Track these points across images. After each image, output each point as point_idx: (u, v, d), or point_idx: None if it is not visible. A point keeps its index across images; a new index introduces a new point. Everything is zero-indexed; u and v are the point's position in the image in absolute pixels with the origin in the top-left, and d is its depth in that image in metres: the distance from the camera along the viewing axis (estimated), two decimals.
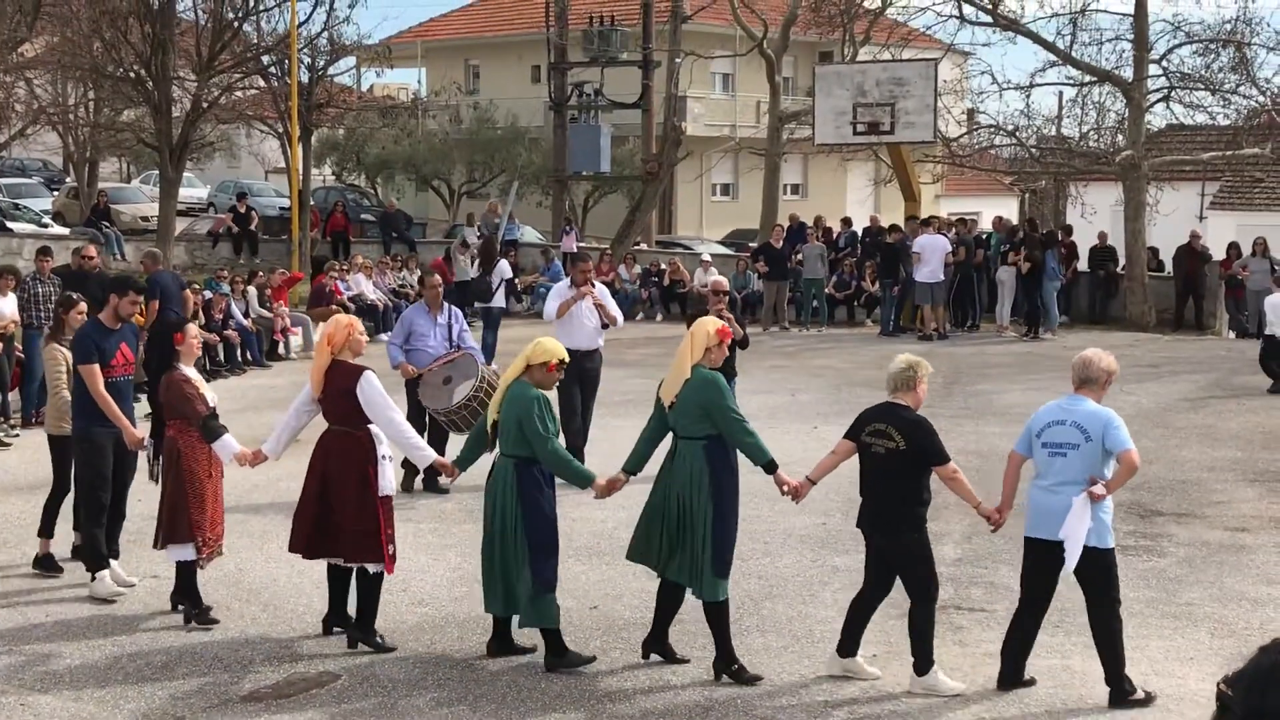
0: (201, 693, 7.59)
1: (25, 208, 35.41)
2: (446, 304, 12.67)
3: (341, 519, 8.10)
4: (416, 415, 11.72)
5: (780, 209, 33.30)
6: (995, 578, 9.77)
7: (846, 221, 28.87)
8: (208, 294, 20.35)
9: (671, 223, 42.83)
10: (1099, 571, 7.47)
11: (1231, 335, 25.65)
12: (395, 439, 8.30)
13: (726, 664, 7.74)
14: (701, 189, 46.10)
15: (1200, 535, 10.78)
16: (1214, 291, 26.08)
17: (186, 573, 8.73)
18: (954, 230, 25.60)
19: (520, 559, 7.73)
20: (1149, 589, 9.45)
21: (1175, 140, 34.82)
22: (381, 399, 8.19)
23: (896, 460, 7.59)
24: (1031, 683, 7.60)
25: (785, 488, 7.99)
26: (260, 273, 23.31)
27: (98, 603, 9.10)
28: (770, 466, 7.85)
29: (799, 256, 26.29)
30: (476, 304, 21.26)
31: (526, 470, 7.80)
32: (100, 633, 8.56)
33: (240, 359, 20.54)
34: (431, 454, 8.56)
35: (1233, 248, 26.28)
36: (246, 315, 21.29)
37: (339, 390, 8.17)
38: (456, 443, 9.38)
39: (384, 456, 8.19)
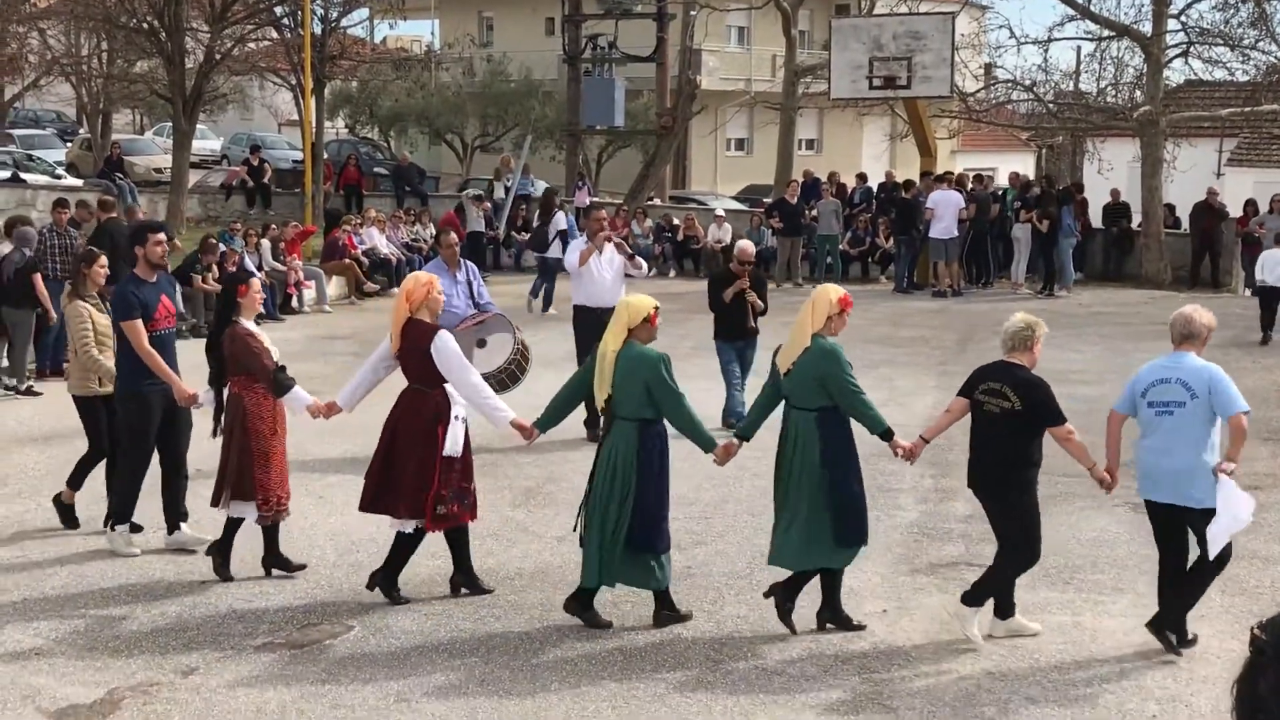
0: (215, 643, 7.64)
1: (39, 159, 35.40)
2: (464, 261, 12.51)
3: (400, 476, 8.04)
4: None
5: (795, 164, 33.14)
6: None
7: (861, 177, 28.74)
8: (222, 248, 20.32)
9: (685, 178, 42.70)
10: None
11: (1248, 293, 25.48)
12: (471, 399, 8.18)
13: (834, 615, 7.81)
14: (716, 144, 45.93)
15: None
16: (1230, 249, 25.92)
17: (231, 529, 8.63)
18: (970, 188, 25.47)
19: (630, 522, 7.59)
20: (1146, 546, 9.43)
21: (1193, 96, 34.54)
22: (457, 359, 8.08)
23: (1011, 421, 7.50)
24: (1193, 640, 7.55)
25: (900, 451, 7.88)
26: (273, 226, 23.28)
27: (110, 556, 9.13)
28: (887, 435, 7.77)
29: (813, 212, 26.18)
30: (534, 254, 22.20)
31: (649, 433, 7.68)
32: (114, 582, 8.61)
33: None
34: (510, 414, 8.28)
35: (1250, 205, 26.10)
36: (260, 268, 21.26)
37: (415, 349, 8.08)
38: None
39: (456, 417, 8.06)
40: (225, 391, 8.60)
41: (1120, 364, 17.06)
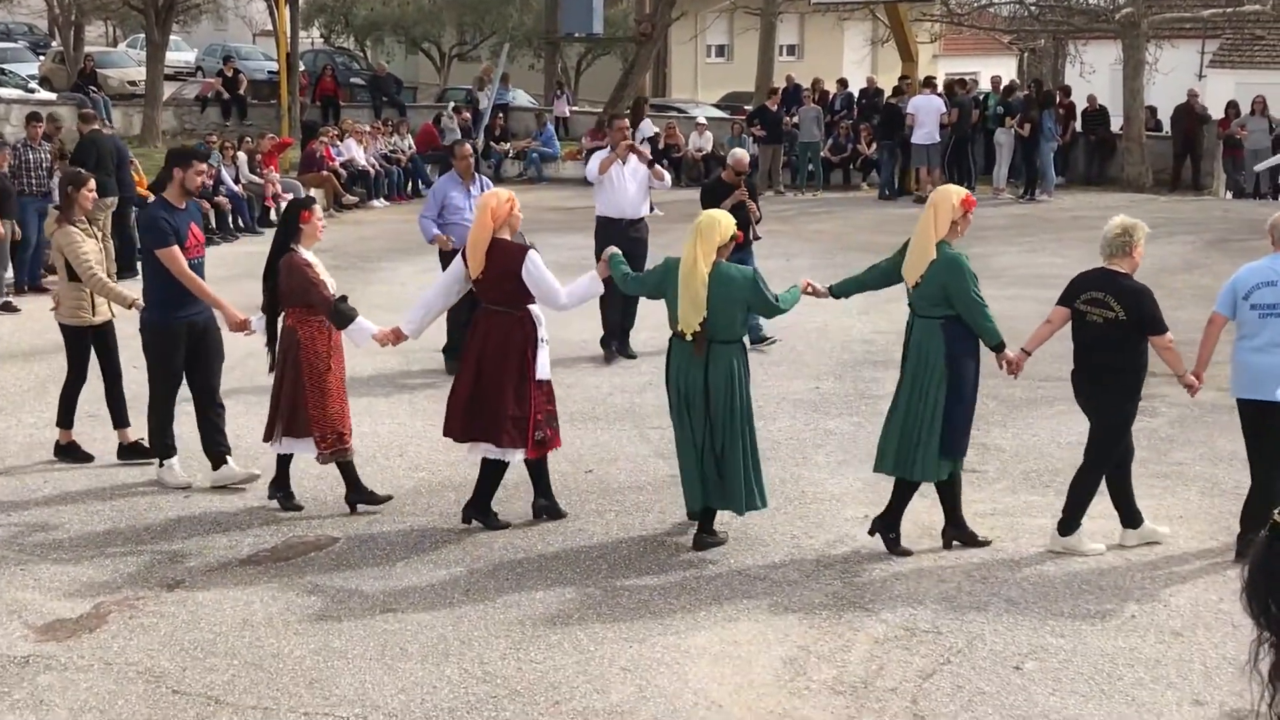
0: (200, 556, 7.67)
1: (11, 73, 34.92)
2: (477, 174, 12.08)
3: (498, 404, 7.75)
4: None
5: (776, 70, 32.87)
6: (987, 439, 9.82)
7: (842, 83, 28.50)
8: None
9: (665, 86, 42.34)
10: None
11: (1229, 195, 25.51)
12: (571, 306, 8.08)
13: (958, 531, 7.74)
14: (696, 50, 45.46)
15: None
16: (1212, 151, 25.87)
17: (284, 465, 8.37)
18: (953, 92, 25.30)
19: (735, 444, 7.50)
20: (1140, 449, 9.42)
21: None
22: (549, 277, 7.85)
23: (1115, 330, 7.45)
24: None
25: (1006, 364, 7.80)
26: (249, 138, 23.06)
27: (92, 471, 9.15)
28: (999, 347, 7.69)
29: (794, 120, 26.01)
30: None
31: (743, 354, 7.59)
32: (99, 498, 8.62)
33: (232, 225, 20.42)
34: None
35: (1231, 107, 26.01)
36: (237, 181, 21.11)
37: (502, 270, 7.77)
38: None
39: (543, 339, 7.87)
40: (279, 323, 8.25)
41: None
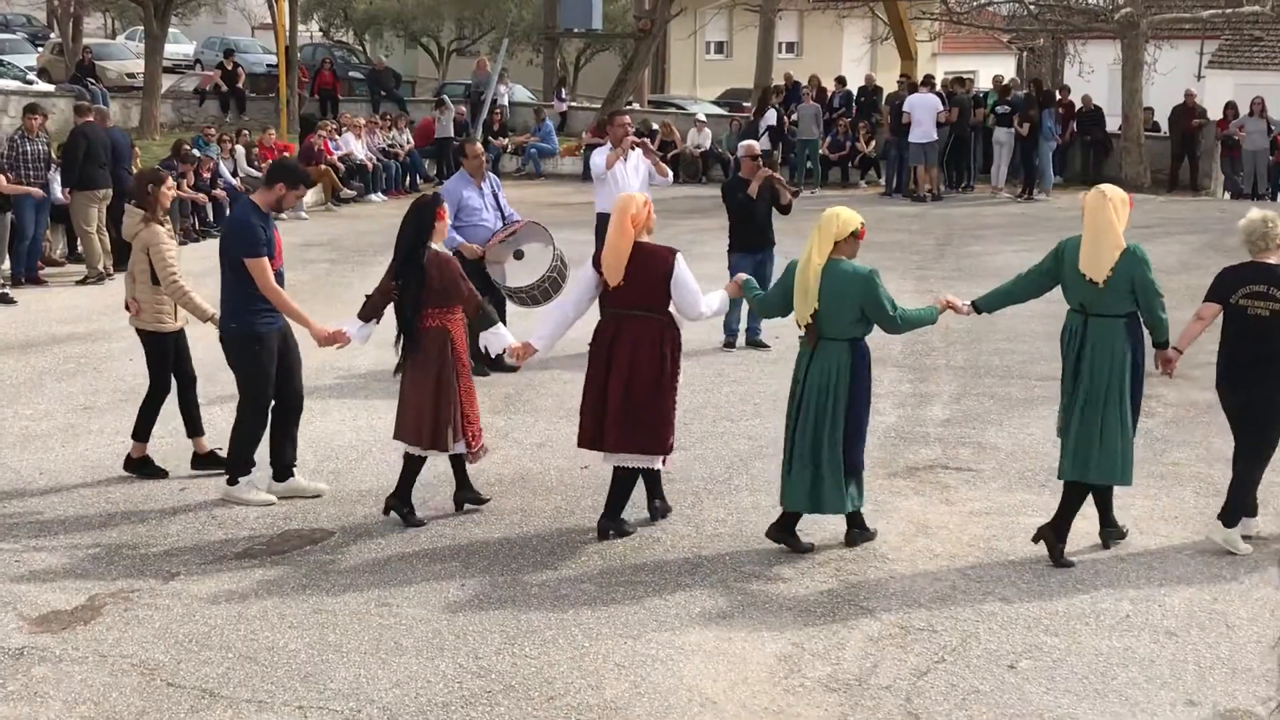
0: (195, 549, 7.66)
1: (9, 64, 34.88)
2: (488, 172, 11.72)
3: (655, 411, 7.62)
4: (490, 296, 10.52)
5: (775, 67, 32.88)
6: (983, 438, 9.83)
7: (841, 81, 28.51)
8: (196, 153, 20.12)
9: (664, 82, 42.38)
10: None
11: (1226, 196, 25.53)
12: (707, 317, 7.87)
13: (1112, 528, 7.73)
14: (695, 47, 45.48)
15: (1188, 396, 10.82)
16: (1210, 152, 25.90)
17: (414, 471, 8.12)
18: (949, 90, 25.30)
19: (834, 443, 7.38)
20: (1136, 449, 9.49)
21: None
22: (695, 283, 7.66)
23: (1273, 324, 7.46)
24: None
25: (1164, 364, 7.73)
26: (247, 131, 23.05)
27: (89, 463, 9.14)
28: (1165, 344, 7.66)
29: (794, 117, 26.01)
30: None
31: (859, 351, 7.42)
32: (94, 491, 8.62)
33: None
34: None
35: (1229, 108, 26.02)
36: (235, 175, 21.11)
37: (649, 275, 7.53)
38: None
39: (679, 345, 7.75)
40: (416, 324, 7.84)
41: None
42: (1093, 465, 7.46)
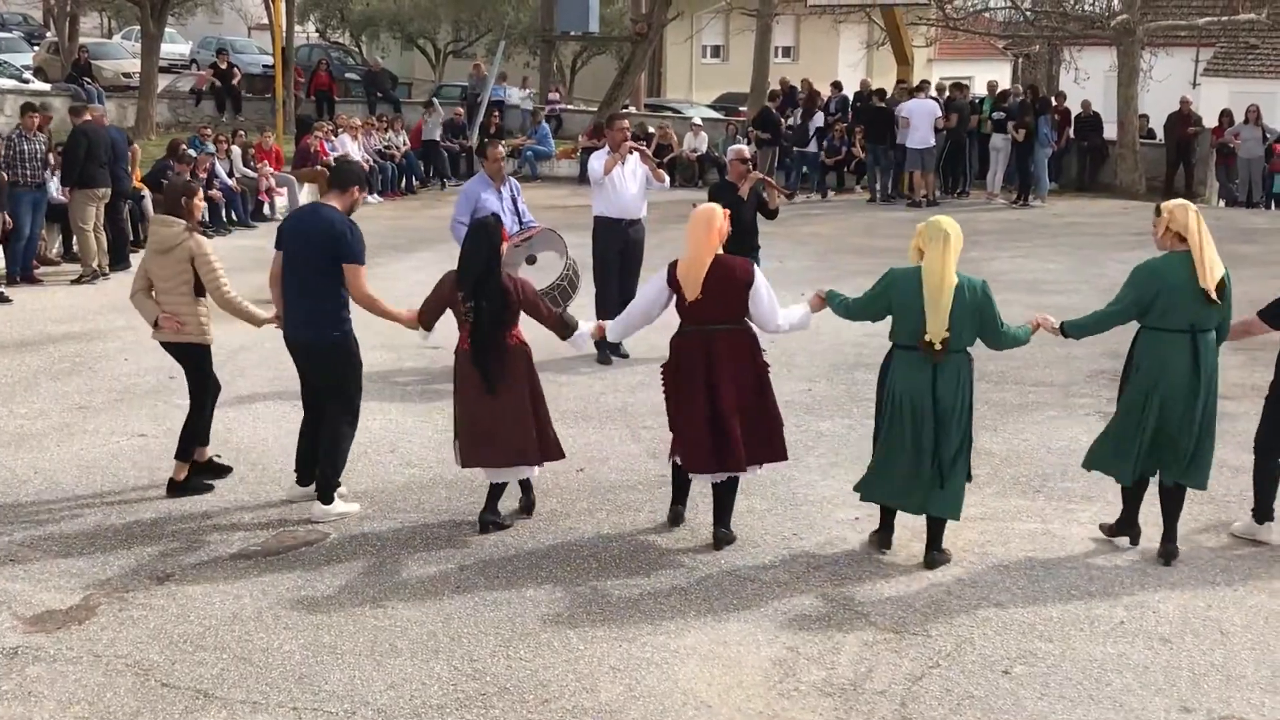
0: (190, 550, 7.66)
1: (6, 63, 34.84)
2: (508, 176, 11.74)
3: (771, 420, 7.66)
4: None
5: (771, 72, 32.90)
6: (977, 443, 9.73)
7: (837, 86, 28.52)
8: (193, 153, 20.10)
9: (660, 85, 42.41)
10: None
11: (1221, 204, 25.57)
12: (785, 331, 7.79)
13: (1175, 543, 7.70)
14: (691, 51, 45.52)
15: None
16: (1205, 160, 25.94)
17: (499, 492, 8.03)
18: (949, 96, 25.31)
19: (962, 451, 7.38)
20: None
21: (1171, 4, 34.32)
22: (773, 295, 7.65)
23: None
24: None
25: None
26: (243, 132, 23.04)
27: (82, 464, 9.13)
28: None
29: (791, 122, 26.03)
30: (795, 149, 25.52)
31: (969, 364, 7.39)
32: (88, 490, 8.61)
33: (225, 219, 20.39)
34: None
35: (1225, 115, 26.06)
36: (231, 175, 21.10)
37: (730, 287, 7.50)
38: None
39: (765, 351, 7.83)
40: (501, 344, 7.75)
41: (1093, 274, 17.13)
42: (1183, 469, 7.61)
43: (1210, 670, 6.30)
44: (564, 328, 8.04)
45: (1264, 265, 17.40)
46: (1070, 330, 7.85)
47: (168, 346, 8.64)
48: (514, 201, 11.46)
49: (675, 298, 7.63)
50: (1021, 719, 5.87)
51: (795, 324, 7.78)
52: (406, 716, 5.83)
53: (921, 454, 7.34)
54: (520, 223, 11.38)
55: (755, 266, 7.64)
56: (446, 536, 7.90)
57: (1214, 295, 7.38)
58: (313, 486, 8.30)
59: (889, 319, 7.53)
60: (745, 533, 7.90)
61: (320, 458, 8.20)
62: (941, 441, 7.31)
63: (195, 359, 8.64)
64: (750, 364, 7.60)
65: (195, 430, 8.65)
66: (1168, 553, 7.58)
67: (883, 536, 7.72)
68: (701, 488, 7.99)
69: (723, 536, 7.75)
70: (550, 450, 7.97)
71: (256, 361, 11.92)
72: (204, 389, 8.68)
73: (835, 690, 6.09)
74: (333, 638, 6.55)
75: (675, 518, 8.01)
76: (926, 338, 7.20)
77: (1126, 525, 7.80)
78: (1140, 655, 6.45)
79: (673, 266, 7.63)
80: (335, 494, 8.20)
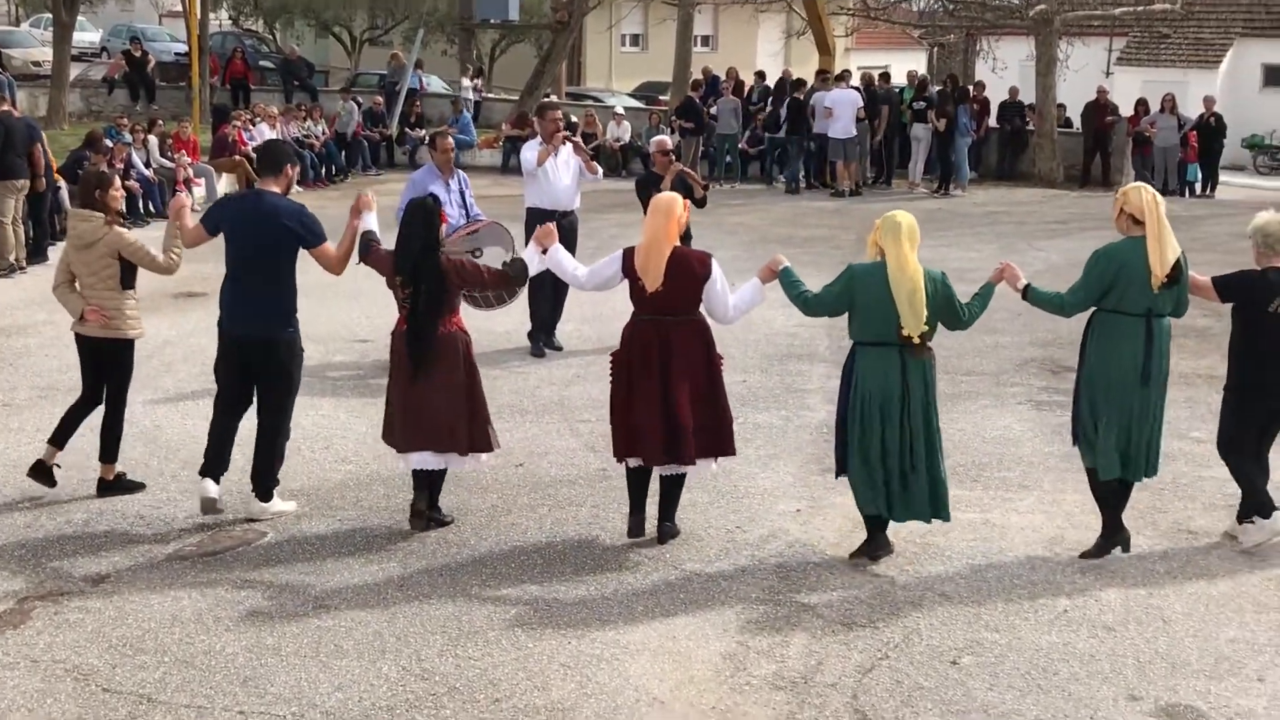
0: (125, 551, 7.50)
1: None
2: (456, 169, 11.60)
3: (720, 414, 7.56)
4: None
5: (692, 61, 32.90)
6: None
7: (760, 75, 28.60)
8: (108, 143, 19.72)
9: (580, 74, 42.27)
10: None
11: None
12: (736, 319, 7.76)
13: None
14: (611, 40, 45.42)
15: None
16: (1121, 148, 26.29)
17: (425, 482, 7.83)
18: (874, 85, 25.45)
19: (939, 449, 7.32)
20: (1063, 443, 9.57)
21: None
22: (727, 287, 7.58)
23: None
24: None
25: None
26: (160, 121, 22.66)
27: (12, 465, 8.92)
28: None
29: (713, 111, 26.05)
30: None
31: (933, 358, 7.33)
32: (16, 491, 8.39)
33: (142, 210, 20.04)
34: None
35: (1140, 104, 26.44)
36: (148, 165, 20.74)
37: (690, 279, 7.42)
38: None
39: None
40: (435, 331, 7.56)
41: (1014, 261, 17.21)
42: (1141, 465, 7.55)
43: (1155, 658, 6.37)
44: (512, 280, 7.95)
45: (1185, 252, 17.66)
46: (1032, 296, 7.74)
47: (90, 341, 8.34)
48: (462, 194, 11.37)
49: (631, 286, 7.54)
50: (972, 709, 5.90)
51: (746, 305, 7.70)
52: (355, 718, 5.75)
53: (896, 455, 7.22)
54: (468, 215, 11.27)
55: (713, 258, 7.56)
56: (387, 534, 7.81)
57: (1164, 281, 7.31)
58: (275, 501, 8.06)
59: (845, 315, 7.45)
60: (689, 526, 7.87)
61: (260, 456, 8.03)
62: (915, 437, 7.23)
63: (120, 354, 8.40)
64: (703, 357, 7.52)
65: (117, 428, 8.44)
66: (1124, 540, 7.54)
67: (879, 542, 7.44)
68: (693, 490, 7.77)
69: (667, 531, 7.71)
70: (480, 441, 7.72)
71: (183, 356, 11.73)
72: (125, 385, 8.47)
73: (787, 683, 6.08)
74: (276, 639, 6.45)
75: (634, 528, 7.68)
76: (905, 332, 7.14)
77: (1115, 531, 7.55)
78: (1085, 644, 6.51)
79: (629, 252, 7.54)
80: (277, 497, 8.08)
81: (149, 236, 17.88)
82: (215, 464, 8.00)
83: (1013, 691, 6.04)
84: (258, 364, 7.94)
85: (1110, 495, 7.54)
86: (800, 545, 7.71)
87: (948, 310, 7.34)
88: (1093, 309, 7.59)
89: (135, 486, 8.43)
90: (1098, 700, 5.97)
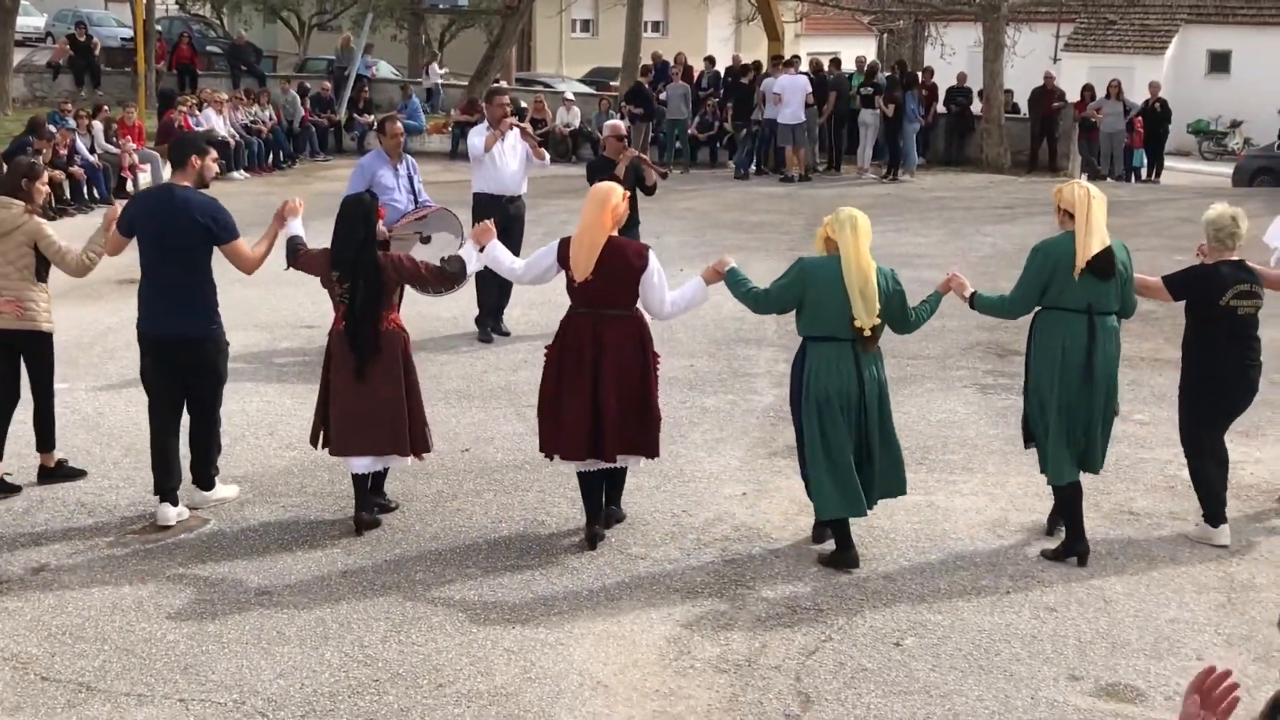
0: (65, 538, 7.44)
1: None
2: (405, 154, 11.42)
3: (647, 412, 7.33)
4: None
5: (642, 47, 32.86)
6: None
7: (710, 61, 28.58)
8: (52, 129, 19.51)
9: (531, 59, 42.16)
10: None
11: (1084, 177, 26.10)
12: (674, 316, 7.66)
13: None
14: (561, 25, 45.32)
15: None
16: (1068, 133, 26.46)
17: (364, 485, 7.64)
18: (820, 72, 25.49)
19: (889, 438, 7.23)
20: (1008, 426, 9.66)
21: None
22: (663, 278, 7.40)
23: (1256, 319, 7.50)
24: None
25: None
26: (106, 106, 22.43)
27: None
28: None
29: (663, 96, 26.02)
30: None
31: (880, 351, 7.23)
32: None
33: (87, 196, 19.84)
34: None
35: (1087, 90, 26.61)
36: (92, 151, 20.53)
37: (621, 272, 7.23)
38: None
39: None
40: (374, 328, 7.38)
41: (962, 246, 17.41)
42: (1097, 457, 7.44)
43: (1096, 638, 6.42)
44: (451, 276, 7.77)
45: (1129, 237, 17.76)
46: (978, 303, 7.64)
47: (3, 334, 8.07)
48: (410, 180, 11.23)
49: (566, 277, 7.41)
50: (914, 690, 5.93)
51: (686, 303, 7.55)
52: (297, 704, 5.72)
53: (859, 446, 7.13)
54: (416, 201, 11.17)
55: (650, 251, 7.42)
56: (331, 520, 7.76)
57: (1085, 270, 7.21)
58: (219, 488, 8.00)
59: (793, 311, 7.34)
60: (634, 510, 7.87)
61: (197, 451, 7.85)
62: (872, 429, 7.13)
63: (38, 347, 8.19)
64: (638, 354, 7.32)
65: (48, 418, 8.29)
66: (1082, 551, 7.33)
67: (847, 555, 7.24)
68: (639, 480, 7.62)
69: (612, 514, 7.70)
70: (419, 443, 7.58)
71: (125, 343, 11.57)
72: (48, 378, 8.25)
73: (730, 666, 6.10)
74: (218, 626, 6.41)
75: (592, 539, 7.43)
76: (857, 324, 7.02)
77: (1076, 540, 7.36)
78: (1027, 625, 6.56)
79: (565, 242, 7.42)
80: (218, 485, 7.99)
81: (93, 223, 17.79)
82: (166, 482, 7.69)
83: (955, 672, 6.08)
84: (183, 363, 7.68)
85: (1067, 499, 7.40)
86: (746, 529, 7.72)
87: (896, 309, 7.22)
88: (1038, 308, 7.47)
89: (76, 474, 8.35)
90: (1039, 680, 6.02)
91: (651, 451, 7.45)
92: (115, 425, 9.39)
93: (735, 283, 7.43)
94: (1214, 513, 7.62)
